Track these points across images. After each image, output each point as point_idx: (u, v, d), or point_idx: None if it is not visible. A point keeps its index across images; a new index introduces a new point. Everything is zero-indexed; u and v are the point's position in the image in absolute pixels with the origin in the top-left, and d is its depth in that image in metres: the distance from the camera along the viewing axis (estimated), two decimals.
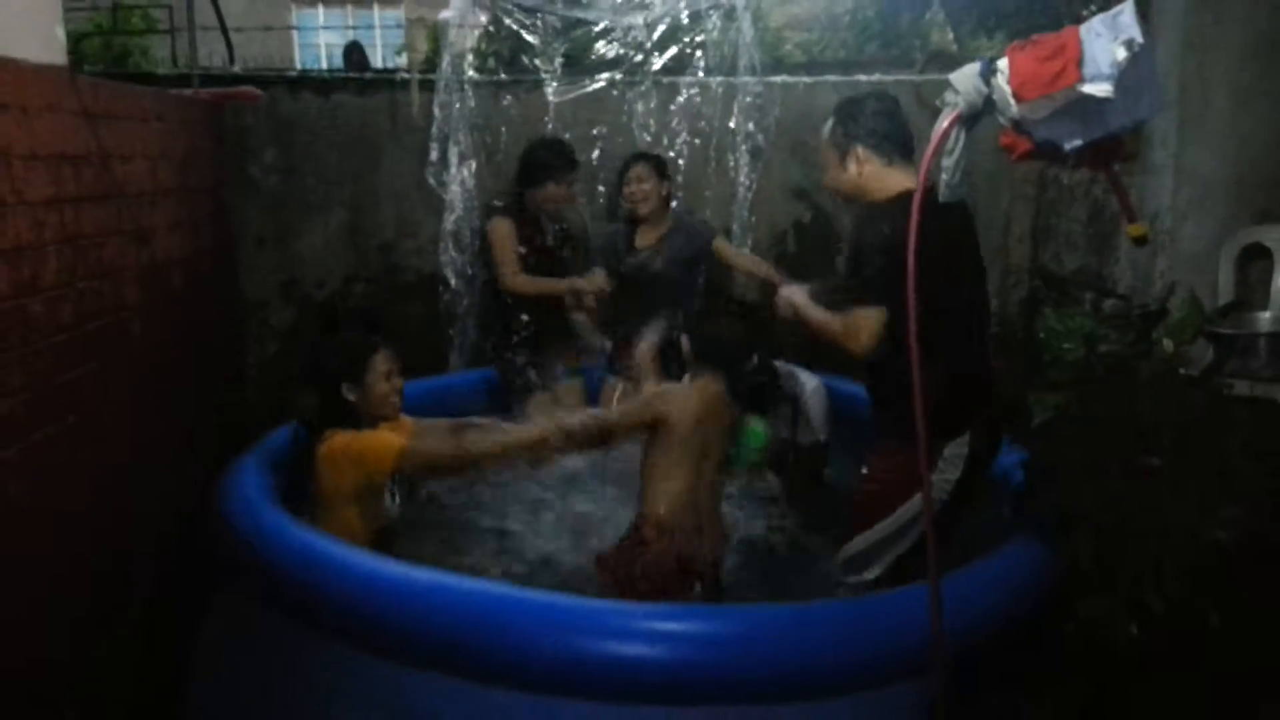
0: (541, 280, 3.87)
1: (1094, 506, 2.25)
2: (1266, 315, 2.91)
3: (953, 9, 4.70)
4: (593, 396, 3.98)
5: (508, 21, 4.24)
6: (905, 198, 2.32)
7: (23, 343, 2.30)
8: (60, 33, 2.69)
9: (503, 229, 3.83)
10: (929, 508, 2.05)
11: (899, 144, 2.55)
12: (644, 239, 3.93)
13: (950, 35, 5.06)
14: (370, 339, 2.91)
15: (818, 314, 2.59)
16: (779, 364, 3.29)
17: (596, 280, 3.84)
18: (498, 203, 3.98)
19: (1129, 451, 2.26)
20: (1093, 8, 3.79)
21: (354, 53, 4.86)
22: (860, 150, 2.54)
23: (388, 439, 2.73)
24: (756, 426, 3.40)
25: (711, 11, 4.18)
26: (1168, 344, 2.50)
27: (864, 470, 2.58)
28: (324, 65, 12.36)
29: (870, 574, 2.54)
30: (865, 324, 2.40)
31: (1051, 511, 2.43)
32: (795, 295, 2.67)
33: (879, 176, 2.53)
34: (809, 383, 3.47)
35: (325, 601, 2.37)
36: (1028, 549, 2.44)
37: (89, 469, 2.60)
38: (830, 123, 2.64)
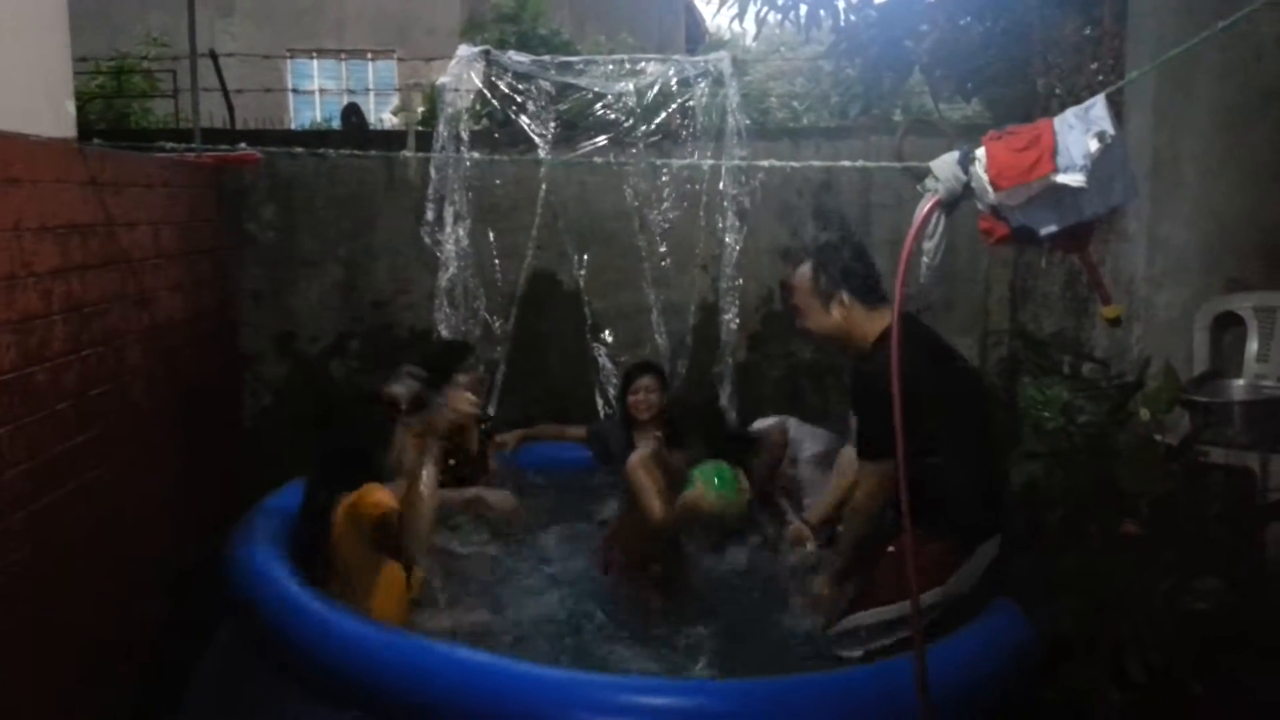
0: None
1: (1076, 571, 2.31)
2: (1240, 383, 2.99)
3: (932, 75, 4.82)
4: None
5: (502, 86, 4.36)
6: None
7: (27, 413, 2.35)
8: (71, 107, 2.77)
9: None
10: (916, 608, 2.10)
11: (877, 290, 2.69)
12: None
13: (932, 101, 5.18)
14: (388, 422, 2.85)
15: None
16: (791, 425, 3.18)
17: (505, 501, 3.61)
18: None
19: (1108, 518, 2.33)
20: (1060, 71, 3.93)
21: (352, 114, 4.96)
22: (845, 296, 2.67)
23: (380, 495, 2.63)
24: (715, 468, 2.84)
25: (700, 79, 4.31)
26: (1145, 414, 2.58)
27: (890, 549, 2.56)
28: (317, 113, 12.52)
29: (855, 653, 2.58)
30: (868, 483, 2.60)
31: (1034, 577, 2.49)
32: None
33: (863, 321, 2.67)
34: (810, 448, 2.99)
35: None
36: (1011, 616, 2.49)
37: (89, 532, 2.62)
38: (808, 270, 2.74)
